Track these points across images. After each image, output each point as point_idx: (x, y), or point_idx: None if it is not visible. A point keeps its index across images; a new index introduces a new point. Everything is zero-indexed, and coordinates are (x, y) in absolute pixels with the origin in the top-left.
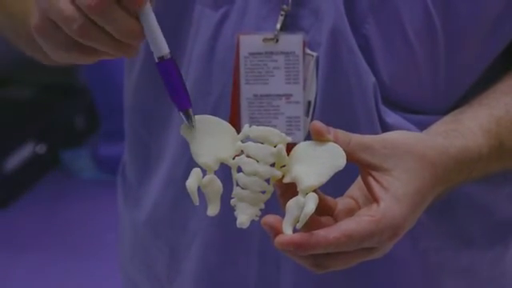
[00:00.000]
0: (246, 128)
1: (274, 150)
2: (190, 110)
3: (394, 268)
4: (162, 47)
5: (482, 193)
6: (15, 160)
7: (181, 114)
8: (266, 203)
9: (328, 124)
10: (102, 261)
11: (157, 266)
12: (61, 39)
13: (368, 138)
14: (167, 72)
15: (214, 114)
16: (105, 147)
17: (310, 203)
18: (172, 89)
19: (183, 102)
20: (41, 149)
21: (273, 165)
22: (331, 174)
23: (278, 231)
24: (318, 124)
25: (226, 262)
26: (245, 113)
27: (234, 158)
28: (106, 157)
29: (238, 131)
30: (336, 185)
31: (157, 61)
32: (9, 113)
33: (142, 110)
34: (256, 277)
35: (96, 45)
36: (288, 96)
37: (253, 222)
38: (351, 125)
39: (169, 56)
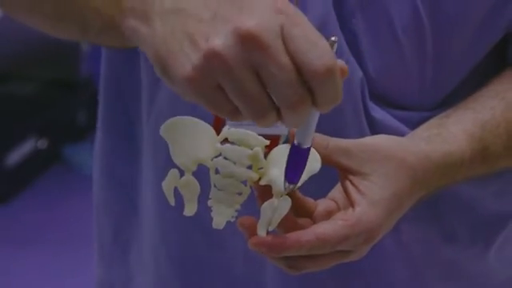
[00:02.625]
0: (225, 130)
1: (250, 152)
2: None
3: (378, 261)
4: (308, 140)
5: (467, 190)
6: (17, 155)
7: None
8: (245, 204)
9: None
10: None
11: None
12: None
13: (346, 142)
14: (299, 157)
15: (195, 110)
16: None
17: (283, 206)
18: (295, 170)
19: (296, 177)
20: (42, 144)
21: (250, 167)
22: (305, 177)
23: (252, 232)
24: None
25: (211, 247)
26: None
27: (212, 160)
28: None
29: (223, 124)
30: (320, 186)
31: (296, 144)
32: (10, 108)
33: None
34: (242, 272)
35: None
36: None
37: (228, 222)
38: (338, 119)
39: (307, 147)
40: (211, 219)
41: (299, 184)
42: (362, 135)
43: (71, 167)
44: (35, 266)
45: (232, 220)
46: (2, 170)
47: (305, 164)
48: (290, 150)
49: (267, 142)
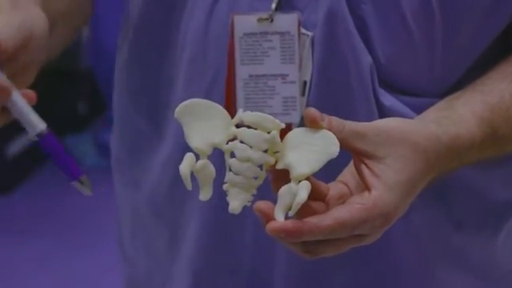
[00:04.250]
0: (239, 113)
1: (267, 136)
2: (85, 176)
3: (387, 249)
4: (37, 124)
5: (476, 176)
6: (17, 146)
7: (75, 183)
8: (259, 188)
9: (324, 103)
10: (104, 246)
11: (157, 246)
12: None
13: (361, 126)
14: (51, 146)
15: (208, 94)
16: (107, 133)
17: (303, 191)
18: (61, 160)
19: (76, 171)
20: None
21: (266, 151)
22: (324, 161)
23: (269, 217)
24: (312, 111)
25: (220, 243)
26: (240, 93)
27: (227, 143)
28: (108, 142)
29: (234, 112)
30: (328, 170)
31: (36, 139)
32: None
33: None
34: (250, 258)
35: None
36: (284, 76)
37: (245, 207)
38: (348, 105)
39: (46, 131)
40: (226, 205)
41: (317, 168)
42: (372, 121)
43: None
44: (35, 256)
45: (248, 205)
46: (2, 160)
47: (63, 146)
48: (45, 150)
49: (283, 125)
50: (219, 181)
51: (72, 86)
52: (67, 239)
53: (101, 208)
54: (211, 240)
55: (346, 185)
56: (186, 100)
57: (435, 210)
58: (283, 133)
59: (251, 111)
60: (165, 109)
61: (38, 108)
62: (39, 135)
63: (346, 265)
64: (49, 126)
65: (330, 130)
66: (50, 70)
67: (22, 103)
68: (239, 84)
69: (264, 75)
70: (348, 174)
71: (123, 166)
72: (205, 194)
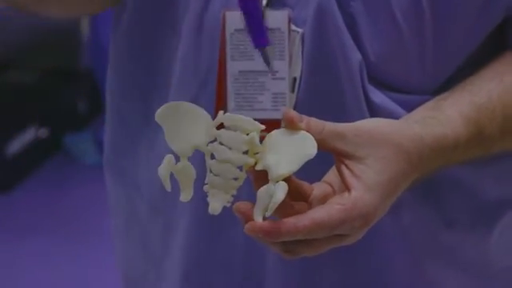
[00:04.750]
0: (220, 115)
1: (246, 137)
2: (271, 47)
3: (378, 247)
4: None
5: (466, 174)
6: (17, 144)
7: (260, 49)
8: (240, 189)
9: (313, 100)
10: (104, 244)
11: (152, 241)
12: None
13: (341, 126)
14: (252, 4)
15: (201, 89)
16: None
17: (279, 192)
18: (254, 24)
19: (264, 39)
20: (43, 133)
21: (246, 152)
22: (302, 162)
23: (248, 218)
24: (290, 112)
25: (211, 240)
26: (231, 89)
27: (207, 145)
28: None
29: (225, 107)
30: (314, 170)
31: None
32: (11, 97)
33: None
34: (242, 256)
35: None
36: (273, 72)
37: (225, 207)
38: (337, 102)
39: None
40: (207, 205)
41: (295, 169)
42: (363, 119)
43: (72, 156)
44: (35, 254)
45: (228, 205)
46: (2, 159)
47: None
48: (243, 9)
49: (263, 127)
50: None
51: (72, 84)
52: (67, 237)
53: (100, 206)
54: (202, 236)
55: (331, 185)
56: (178, 98)
57: (426, 208)
58: (268, 130)
59: (242, 106)
60: (160, 104)
61: (39, 107)
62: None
63: (338, 263)
64: (49, 124)
65: (308, 131)
66: (50, 68)
67: None
68: (230, 79)
69: (254, 71)
70: (332, 174)
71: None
72: (185, 196)
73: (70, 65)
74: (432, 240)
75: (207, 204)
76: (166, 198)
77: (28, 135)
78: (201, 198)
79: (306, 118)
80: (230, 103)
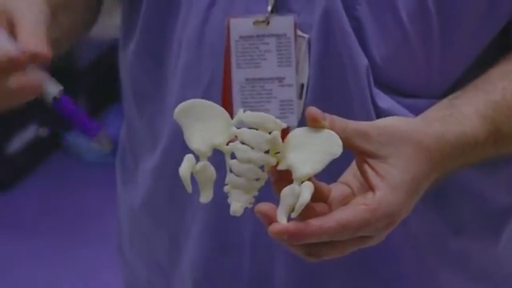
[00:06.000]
0: (240, 113)
1: (268, 136)
2: (103, 133)
3: (387, 254)
4: (54, 89)
5: (477, 180)
6: (18, 143)
7: (94, 144)
8: (259, 190)
9: (321, 106)
10: (104, 243)
11: (158, 253)
12: None
13: (364, 125)
14: (67, 107)
15: (204, 99)
16: (107, 131)
17: (306, 192)
18: (79, 121)
19: (94, 128)
20: (43, 132)
21: (267, 151)
22: (327, 161)
23: (271, 219)
24: (313, 110)
25: (219, 249)
26: (237, 98)
27: (227, 144)
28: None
29: (231, 116)
30: (328, 171)
31: (52, 102)
32: None
33: (134, 89)
34: (249, 264)
35: None
36: (280, 79)
37: (246, 209)
38: (345, 107)
39: (61, 93)
40: (228, 206)
41: (320, 168)
42: None
43: (72, 155)
44: (35, 253)
45: (250, 206)
46: (3, 157)
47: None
48: (60, 112)
49: (284, 125)
50: (219, 182)
51: (72, 83)
52: (67, 236)
53: (101, 205)
54: (212, 244)
55: (349, 186)
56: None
57: (434, 215)
58: (283, 134)
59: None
60: (160, 113)
61: (39, 107)
62: (54, 98)
63: (345, 268)
64: (50, 123)
65: (332, 129)
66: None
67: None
68: (236, 88)
69: (261, 79)
70: (350, 175)
71: (128, 172)
72: (205, 196)
73: (69, 64)
74: (441, 247)
75: (218, 211)
76: (172, 209)
77: (28, 134)
78: (211, 206)
79: (329, 116)
80: (237, 112)
